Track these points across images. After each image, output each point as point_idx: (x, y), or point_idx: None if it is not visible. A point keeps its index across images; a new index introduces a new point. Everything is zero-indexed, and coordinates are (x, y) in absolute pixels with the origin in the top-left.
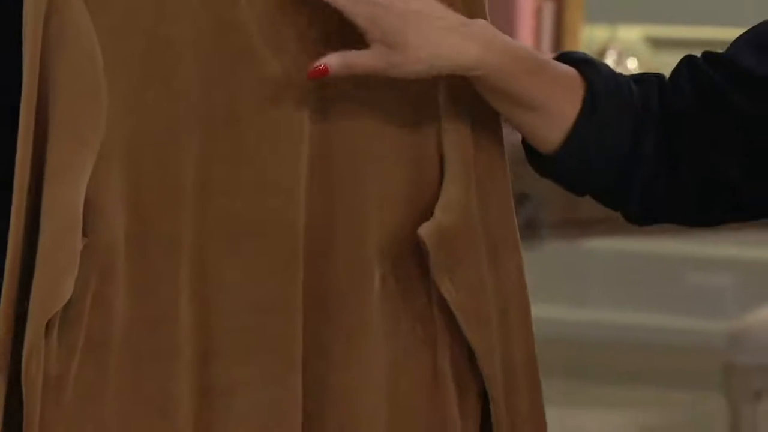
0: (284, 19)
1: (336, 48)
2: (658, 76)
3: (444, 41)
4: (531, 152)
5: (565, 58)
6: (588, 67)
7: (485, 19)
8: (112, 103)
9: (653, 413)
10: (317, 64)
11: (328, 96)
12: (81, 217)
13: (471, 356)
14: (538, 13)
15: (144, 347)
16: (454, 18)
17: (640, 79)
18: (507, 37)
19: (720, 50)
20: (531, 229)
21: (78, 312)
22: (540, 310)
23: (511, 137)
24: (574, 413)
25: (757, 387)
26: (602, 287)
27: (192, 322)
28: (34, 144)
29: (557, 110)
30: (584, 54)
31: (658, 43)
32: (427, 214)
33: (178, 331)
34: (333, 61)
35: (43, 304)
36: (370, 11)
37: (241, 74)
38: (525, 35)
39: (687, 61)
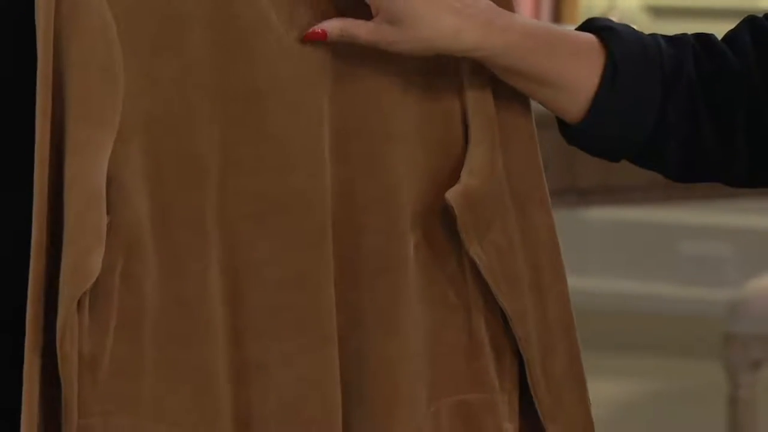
0: None
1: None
2: (698, 38)
3: (443, 22)
4: (559, 122)
5: (589, 26)
6: (610, 34)
7: None
8: (129, 82)
9: (652, 381)
10: (316, 27)
11: (347, 68)
12: (104, 194)
13: (505, 318)
14: None
15: (177, 324)
16: None
17: (676, 40)
18: (514, 15)
19: (721, 19)
20: None
21: (107, 290)
22: None
23: None
24: None
25: (755, 356)
26: (600, 256)
27: (223, 299)
28: (52, 124)
29: (575, 83)
30: (608, 20)
31: (656, 11)
32: (454, 178)
33: (210, 307)
34: (332, 26)
35: (73, 281)
36: None
37: (257, 49)
38: (525, 3)
39: (749, 21)
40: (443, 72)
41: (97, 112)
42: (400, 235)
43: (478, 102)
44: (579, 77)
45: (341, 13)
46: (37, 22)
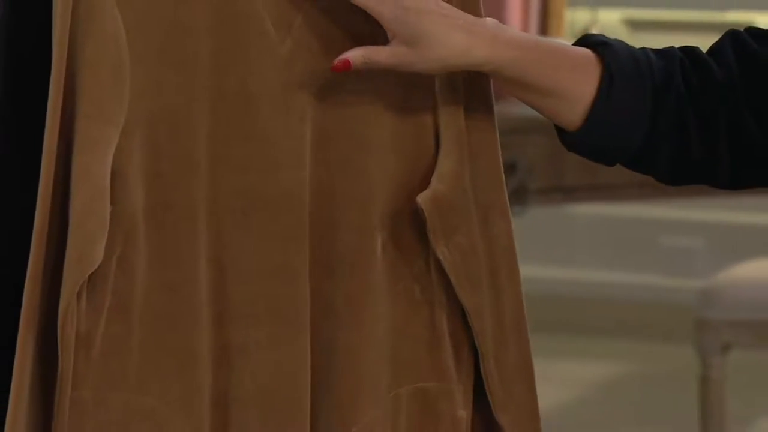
0: (291, 4)
1: (341, 33)
2: (684, 51)
3: (454, 40)
4: (558, 129)
5: (585, 41)
6: (605, 49)
7: (478, 6)
8: (134, 83)
9: (630, 364)
10: (340, 58)
11: (330, 79)
12: (108, 186)
13: (464, 314)
14: None
15: (165, 307)
16: (464, 17)
17: (665, 54)
18: (516, 31)
19: (692, 32)
20: (519, 196)
21: (104, 273)
22: (527, 270)
23: (501, 109)
24: (556, 364)
25: (725, 340)
26: (585, 249)
27: (209, 286)
28: (62, 119)
29: (573, 94)
30: (603, 37)
31: (635, 25)
32: (424, 184)
33: (197, 293)
34: (355, 55)
35: (77, 267)
36: (393, 11)
37: (254, 56)
38: (514, 18)
39: (731, 35)
40: (418, 87)
41: (106, 110)
42: (368, 233)
43: (450, 116)
44: (578, 88)
45: (338, 27)
46: (54, 26)
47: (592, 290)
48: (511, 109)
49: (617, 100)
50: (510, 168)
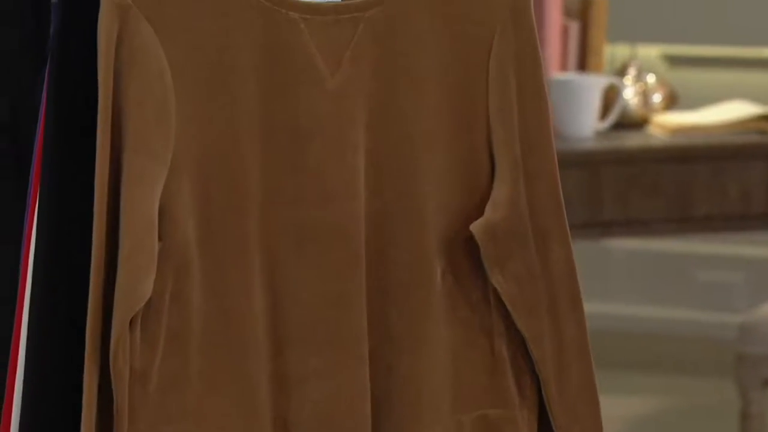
0: (340, 38)
1: (390, 64)
2: None
3: None
4: None
5: None
6: None
7: (533, 35)
8: (181, 120)
9: (670, 399)
10: None
11: (383, 110)
12: (156, 222)
13: (525, 340)
14: (565, 32)
15: (221, 339)
16: None
17: None
18: None
19: (732, 68)
20: None
21: (158, 309)
22: None
23: None
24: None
25: (765, 375)
26: (622, 283)
27: (266, 315)
28: (111, 157)
29: None
30: None
31: (674, 60)
32: (480, 211)
33: (253, 324)
34: None
35: (126, 302)
36: None
37: (303, 90)
38: (553, 54)
39: None
40: (472, 114)
41: (152, 145)
42: (427, 262)
43: (505, 142)
44: None
45: (387, 58)
46: (99, 67)
47: (631, 325)
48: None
49: None
50: None
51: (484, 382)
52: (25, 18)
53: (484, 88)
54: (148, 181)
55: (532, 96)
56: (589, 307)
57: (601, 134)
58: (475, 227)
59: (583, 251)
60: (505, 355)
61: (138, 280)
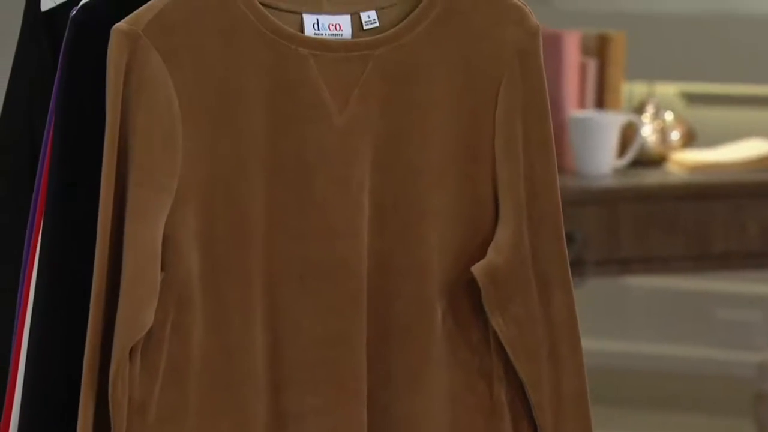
0: (348, 76)
1: (398, 102)
2: None
3: None
4: None
5: None
6: None
7: (541, 80)
8: (187, 150)
9: None
10: None
11: (389, 149)
12: (159, 253)
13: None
14: (583, 70)
15: (221, 373)
16: None
17: None
18: None
19: (750, 106)
20: (576, 267)
21: (158, 339)
22: (583, 342)
23: (561, 180)
24: None
25: None
26: (641, 321)
27: (266, 352)
28: (116, 186)
29: None
30: None
31: (692, 98)
32: (482, 253)
33: (253, 359)
34: None
35: (126, 332)
36: None
37: (310, 126)
38: (571, 92)
39: None
40: (478, 157)
41: (157, 177)
42: (428, 303)
43: (510, 186)
44: None
45: (395, 96)
46: (107, 93)
47: (649, 363)
48: (567, 181)
49: None
50: (567, 240)
51: (482, 425)
52: (38, 40)
53: (491, 130)
54: (152, 212)
55: (538, 142)
56: (607, 344)
57: (619, 172)
58: (477, 269)
59: (602, 288)
60: (503, 399)
61: (139, 310)
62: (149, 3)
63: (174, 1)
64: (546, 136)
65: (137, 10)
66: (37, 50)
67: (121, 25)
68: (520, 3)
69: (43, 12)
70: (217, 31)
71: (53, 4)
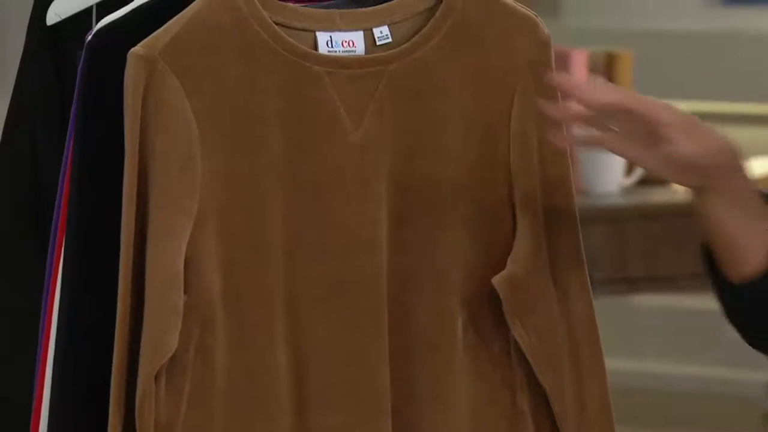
0: (363, 92)
1: (413, 119)
2: None
3: (703, 141)
4: (717, 289)
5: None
6: None
7: (553, 91)
8: (206, 172)
9: None
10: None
11: (404, 163)
12: (182, 276)
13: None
14: None
15: (245, 394)
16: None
17: None
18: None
19: (760, 125)
20: None
21: (183, 362)
22: None
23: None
24: None
25: None
26: (649, 340)
27: (288, 371)
28: (137, 209)
29: (753, 244)
30: None
31: (701, 117)
32: (501, 264)
33: (276, 379)
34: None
35: (151, 356)
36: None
37: (326, 144)
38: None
39: None
40: (494, 169)
41: (177, 200)
42: (449, 316)
43: (527, 197)
44: (759, 238)
45: (410, 113)
46: (126, 118)
47: (656, 382)
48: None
49: None
50: None
51: None
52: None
53: (506, 142)
54: (173, 235)
55: (554, 151)
56: (616, 363)
57: (626, 190)
58: (497, 281)
59: (610, 308)
60: (525, 409)
61: (164, 333)
62: (164, 26)
63: (189, 24)
64: (561, 145)
65: (153, 34)
66: (40, 66)
67: (138, 49)
68: (531, 14)
69: (47, 27)
70: (233, 53)
71: (58, 19)
